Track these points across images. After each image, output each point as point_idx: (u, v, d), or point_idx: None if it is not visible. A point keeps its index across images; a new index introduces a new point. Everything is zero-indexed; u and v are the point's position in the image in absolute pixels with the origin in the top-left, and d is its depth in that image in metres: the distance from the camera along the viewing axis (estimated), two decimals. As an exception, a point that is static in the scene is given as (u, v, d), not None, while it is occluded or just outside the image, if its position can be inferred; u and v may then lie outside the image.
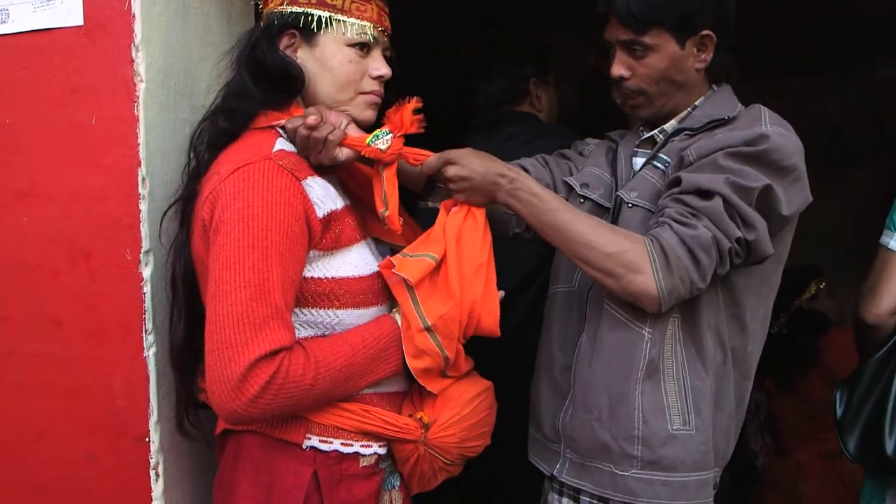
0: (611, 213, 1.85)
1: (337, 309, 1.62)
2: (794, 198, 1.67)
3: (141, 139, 1.75)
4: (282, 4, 1.69)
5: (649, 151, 1.87)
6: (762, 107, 1.76)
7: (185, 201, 1.68)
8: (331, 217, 1.62)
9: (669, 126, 1.85)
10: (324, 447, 1.61)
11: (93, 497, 1.80)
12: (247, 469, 1.61)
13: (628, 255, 1.63)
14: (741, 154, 1.64)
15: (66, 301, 1.79)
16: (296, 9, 1.69)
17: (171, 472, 1.81)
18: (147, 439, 1.77)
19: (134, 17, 1.74)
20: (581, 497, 1.82)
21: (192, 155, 1.69)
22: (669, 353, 1.72)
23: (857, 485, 2.22)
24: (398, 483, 1.74)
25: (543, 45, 2.69)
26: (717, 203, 1.61)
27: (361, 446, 1.65)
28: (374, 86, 1.75)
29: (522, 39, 2.63)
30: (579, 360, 1.84)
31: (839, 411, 2.07)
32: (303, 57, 1.71)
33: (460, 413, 1.70)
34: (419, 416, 1.70)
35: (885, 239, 2.03)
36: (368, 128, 1.74)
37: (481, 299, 1.67)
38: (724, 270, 1.66)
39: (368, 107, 1.76)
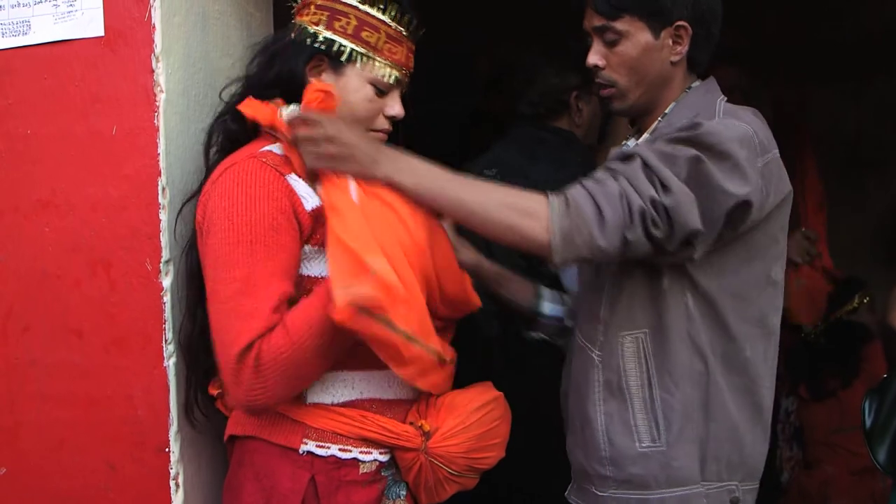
0: None
1: None
2: (730, 175, 1.57)
3: (161, 149, 1.76)
4: (317, 25, 1.69)
5: None
6: (722, 101, 1.73)
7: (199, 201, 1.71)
8: (320, 212, 1.60)
9: (643, 140, 1.80)
10: (320, 452, 1.62)
11: (114, 507, 1.80)
12: (248, 474, 1.64)
13: (523, 202, 1.59)
14: (674, 139, 1.60)
15: (87, 311, 1.79)
16: (331, 35, 1.68)
17: (190, 482, 1.80)
18: (167, 449, 1.77)
19: (154, 27, 1.75)
20: None
21: (205, 157, 1.74)
22: (633, 370, 1.69)
23: (889, 504, 2.18)
24: (404, 492, 1.73)
25: None
26: (635, 163, 1.57)
27: (360, 452, 1.65)
28: (385, 125, 1.76)
29: (569, 48, 2.58)
30: (565, 385, 1.88)
31: (868, 421, 2.05)
32: (326, 82, 1.71)
33: (465, 422, 1.68)
34: (420, 424, 1.68)
35: None
36: None
37: (431, 270, 1.62)
38: (637, 236, 1.55)
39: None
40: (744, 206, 1.58)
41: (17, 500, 1.84)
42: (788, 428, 3.33)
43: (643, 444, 1.68)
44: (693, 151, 1.55)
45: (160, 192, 1.76)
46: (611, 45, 1.75)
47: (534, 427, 2.21)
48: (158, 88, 1.76)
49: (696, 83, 1.81)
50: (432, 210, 1.65)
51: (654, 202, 1.54)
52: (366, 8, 1.69)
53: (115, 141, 1.77)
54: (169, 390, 1.76)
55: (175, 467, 1.77)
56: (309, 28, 1.70)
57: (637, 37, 1.73)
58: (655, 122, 1.79)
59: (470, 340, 1.89)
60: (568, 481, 1.93)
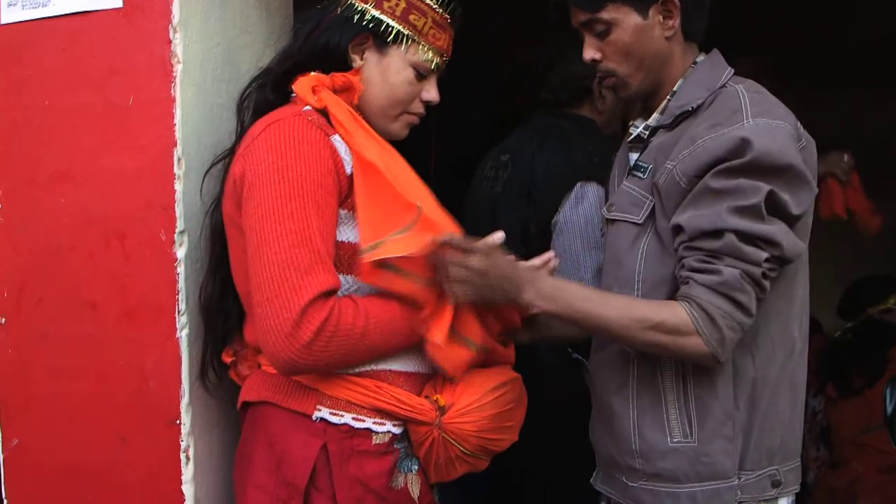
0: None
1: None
2: (800, 195, 1.59)
3: (177, 120, 1.75)
4: (366, 3, 1.70)
5: (638, 153, 1.81)
6: (741, 91, 1.66)
7: (228, 161, 1.71)
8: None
9: (653, 120, 1.78)
10: (334, 420, 1.60)
11: (124, 479, 1.78)
12: (261, 440, 1.62)
13: (670, 322, 1.57)
14: (730, 169, 1.55)
15: (101, 282, 1.79)
16: (379, 14, 1.70)
17: (201, 455, 1.79)
18: (178, 422, 1.76)
19: (171, -1, 1.75)
20: None
21: (238, 119, 1.74)
22: (669, 366, 1.67)
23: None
24: (416, 467, 1.70)
25: None
26: (729, 239, 1.54)
27: (374, 423, 1.62)
28: (420, 108, 1.78)
29: None
30: (592, 375, 1.86)
31: (889, 407, 2.01)
32: (369, 61, 1.73)
33: (480, 401, 1.65)
34: (435, 398, 1.66)
35: None
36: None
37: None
38: (767, 291, 1.60)
39: (407, 126, 1.79)
40: (806, 213, 1.62)
41: (28, 473, 1.84)
42: (815, 427, 3.28)
43: (674, 440, 1.67)
44: (764, 188, 1.54)
45: (175, 162, 1.75)
46: (602, 36, 1.73)
47: (549, 414, 2.19)
48: (175, 59, 1.76)
49: (701, 57, 1.78)
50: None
51: (767, 260, 1.56)
52: None
53: (131, 112, 1.77)
54: (181, 362, 1.75)
55: (186, 440, 1.76)
56: (357, 5, 1.71)
57: (626, 22, 1.70)
58: (665, 101, 1.77)
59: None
60: (584, 469, 1.91)
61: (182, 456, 1.76)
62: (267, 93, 1.73)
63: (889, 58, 4.13)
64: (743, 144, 1.55)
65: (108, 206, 1.78)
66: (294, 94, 1.69)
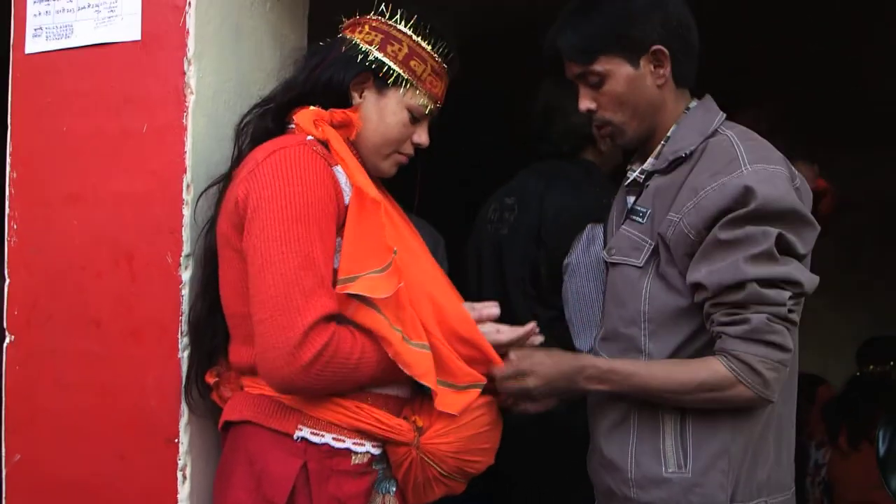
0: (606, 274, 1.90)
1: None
2: (804, 235, 1.65)
3: (188, 147, 1.83)
4: (370, 44, 1.78)
5: (634, 199, 1.87)
6: (733, 138, 1.72)
7: (223, 185, 1.76)
8: None
9: (648, 164, 1.83)
10: (315, 440, 1.64)
11: (122, 496, 1.82)
12: (241, 459, 1.65)
13: (712, 380, 1.65)
14: (737, 219, 1.61)
15: (108, 301, 1.85)
16: (381, 57, 1.78)
17: (198, 475, 1.82)
18: (176, 440, 1.79)
19: (188, 32, 1.83)
20: None
21: (235, 144, 1.80)
22: None
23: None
24: (394, 489, 1.73)
25: None
26: (752, 288, 1.60)
27: (354, 443, 1.66)
28: (410, 150, 1.86)
29: None
30: (592, 407, 1.90)
31: (882, 449, 2.01)
32: (367, 99, 1.80)
33: (457, 422, 1.69)
34: (413, 419, 1.70)
35: None
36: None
37: (437, 291, 1.73)
38: (797, 325, 1.67)
39: (395, 165, 1.86)
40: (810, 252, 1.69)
41: (28, 488, 1.88)
42: (818, 482, 3.25)
43: (669, 470, 1.70)
44: (772, 232, 1.60)
45: (184, 188, 1.82)
46: (596, 87, 1.80)
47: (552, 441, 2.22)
48: (189, 90, 1.83)
49: (693, 102, 1.84)
50: None
51: (791, 297, 1.63)
52: (418, 39, 1.79)
53: (144, 139, 1.85)
54: (181, 381, 1.79)
55: (183, 458, 1.80)
56: (361, 46, 1.79)
57: (618, 73, 1.77)
58: (659, 146, 1.82)
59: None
60: (580, 484, 1.93)
61: (179, 475, 1.79)
62: (267, 121, 1.79)
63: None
64: (747, 193, 1.60)
65: (117, 229, 1.85)
66: (292, 126, 1.76)
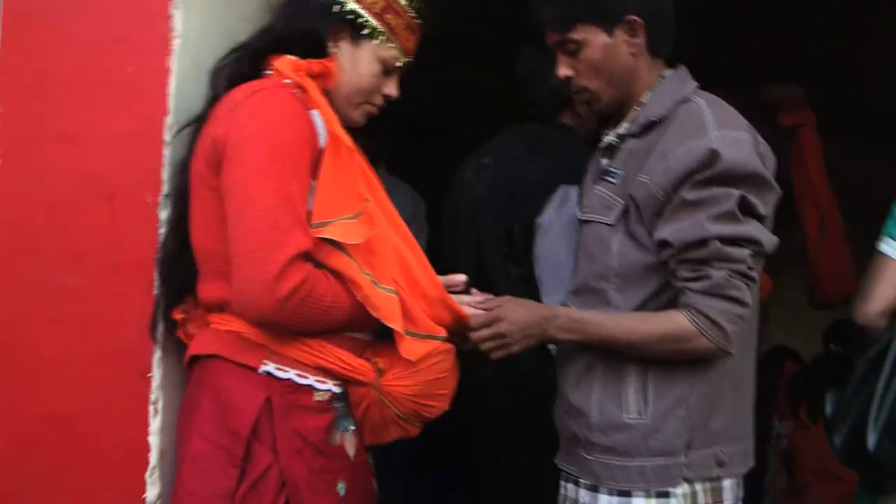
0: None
1: None
2: (765, 197, 1.73)
3: (171, 90, 1.86)
4: None
5: (608, 160, 1.93)
6: (703, 105, 1.79)
7: (197, 125, 1.81)
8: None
9: (623, 129, 1.90)
10: (279, 374, 1.68)
11: (96, 428, 1.86)
12: (207, 391, 1.70)
13: (675, 332, 1.73)
14: (702, 180, 1.69)
15: (91, 238, 1.88)
16: (359, 9, 1.82)
17: (169, 408, 1.86)
18: (149, 375, 1.84)
19: (175, -23, 1.87)
20: (571, 481, 1.91)
21: (211, 86, 1.83)
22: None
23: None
24: (352, 427, 1.77)
25: None
26: (714, 245, 1.68)
27: (316, 380, 1.71)
28: (380, 101, 1.91)
29: None
30: (560, 359, 1.98)
31: (829, 411, 2.07)
32: (343, 50, 1.85)
33: (417, 366, 1.73)
34: (375, 361, 1.74)
35: (879, 243, 2.07)
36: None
37: (404, 246, 1.79)
38: (757, 282, 1.75)
39: (366, 115, 1.91)
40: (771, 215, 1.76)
41: (5, 419, 1.91)
42: (780, 452, 3.30)
43: (630, 416, 1.78)
44: (735, 193, 1.69)
45: (166, 129, 1.86)
46: (573, 54, 1.88)
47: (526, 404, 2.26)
48: (174, 33, 1.87)
49: (668, 72, 1.91)
50: None
51: (751, 256, 1.72)
52: None
53: (130, 80, 1.88)
54: (159, 331, 1.84)
55: (155, 392, 1.84)
56: None
57: (594, 41, 1.85)
58: (633, 112, 1.89)
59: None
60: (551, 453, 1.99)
61: (151, 408, 1.84)
62: (244, 66, 1.82)
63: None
64: (712, 156, 1.68)
65: (101, 167, 1.88)
66: (269, 72, 1.80)
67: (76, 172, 1.90)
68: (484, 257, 2.39)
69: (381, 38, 1.84)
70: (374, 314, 1.67)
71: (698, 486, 1.78)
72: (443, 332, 1.77)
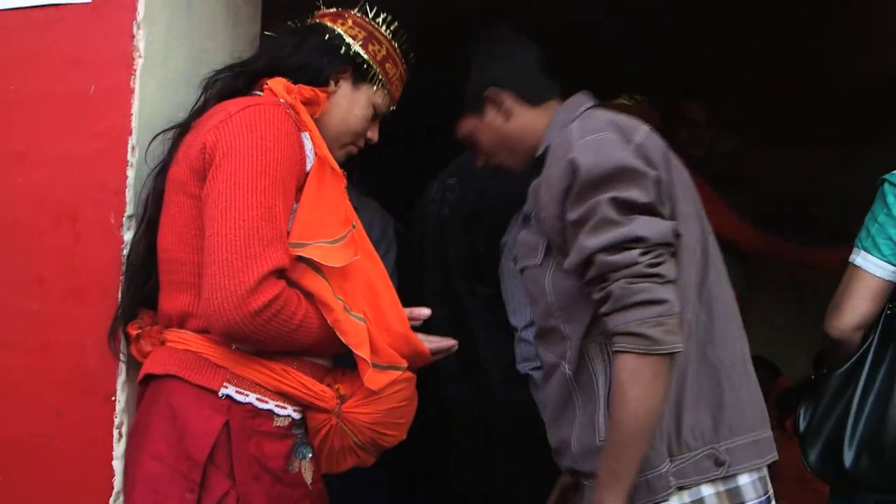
0: None
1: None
2: (641, 183, 1.64)
3: (135, 110, 1.85)
4: (354, 39, 1.89)
5: (527, 206, 1.94)
6: (575, 122, 1.78)
7: (179, 132, 1.81)
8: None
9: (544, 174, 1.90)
10: (239, 398, 1.65)
11: (58, 453, 1.83)
12: (163, 413, 1.65)
13: (628, 378, 1.61)
14: (575, 195, 1.65)
15: (51, 260, 1.86)
16: (363, 54, 1.90)
17: (134, 432, 1.83)
18: (113, 398, 1.81)
19: (138, -4, 1.86)
20: None
21: (201, 95, 1.84)
22: (601, 371, 1.73)
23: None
24: (310, 454, 1.75)
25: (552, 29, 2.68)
26: (598, 260, 1.62)
27: (276, 406, 1.68)
28: (362, 144, 1.97)
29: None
30: (542, 397, 1.94)
31: (802, 425, 2.06)
32: (342, 89, 1.91)
33: (378, 394, 1.72)
34: (336, 388, 1.73)
35: (852, 256, 2.04)
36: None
37: (377, 280, 1.79)
38: (671, 272, 1.64)
39: (346, 155, 1.97)
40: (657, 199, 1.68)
41: (-36, 445, 1.88)
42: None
43: (601, 439, 1.71)
44: (599, 196, 1.62)
45: (129, 150, 1.84)
46: (475, 144, 2.03)
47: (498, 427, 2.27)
48: (137, 53, 1.86)
49: (560, 106, 1.95)
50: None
51: (643, 254, 1.60)
52: (395, 44, 1.96)
53: (92, 100, 1.87)
54: (120, 340, 1.81)
55: (120, 416, 1.81)
56: (345, 38, 1.89)
57: (477, 127, 1.99)
58: (542, 154, 1.87)
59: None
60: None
61: (115, 432, 1.81)
62: (239, 82, 1.83)
63: (857, 119, 4.25)
64: (571, 166, 1.66)
65: (62, 189, 1.86)
66: (259, 92, 1.82)
67: (36, 194, 1.88)
68: (450, 277, 2.39)
69: (378, 84, 1.92)
70: (343, 339, 1.65)
71: (705, 490, 1.69)
72: (403, 363, 1.77)
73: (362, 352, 1.67)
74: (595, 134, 1.69)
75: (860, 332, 2.01)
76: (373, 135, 1.97)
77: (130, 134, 1.84)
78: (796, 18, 3.42)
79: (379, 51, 1.91)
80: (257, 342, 1.62)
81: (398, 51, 1.97)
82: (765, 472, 1.76)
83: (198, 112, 1.81)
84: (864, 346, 2.02)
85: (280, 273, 1.60)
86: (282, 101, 1.74)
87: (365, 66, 1.90)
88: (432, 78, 2.26)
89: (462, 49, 2.03)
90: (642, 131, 1.72)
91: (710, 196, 2.90)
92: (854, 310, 1.99)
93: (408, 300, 1.88)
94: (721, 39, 3.58)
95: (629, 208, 1.62)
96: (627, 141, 1.68)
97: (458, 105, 2.01)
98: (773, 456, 1.78)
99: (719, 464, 1.69)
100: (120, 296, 1.81)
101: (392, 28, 1.96)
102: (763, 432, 1.78)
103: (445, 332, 1.98)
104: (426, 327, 1.91)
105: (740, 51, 3.67)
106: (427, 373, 1.92)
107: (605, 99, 2.87)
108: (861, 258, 2.01)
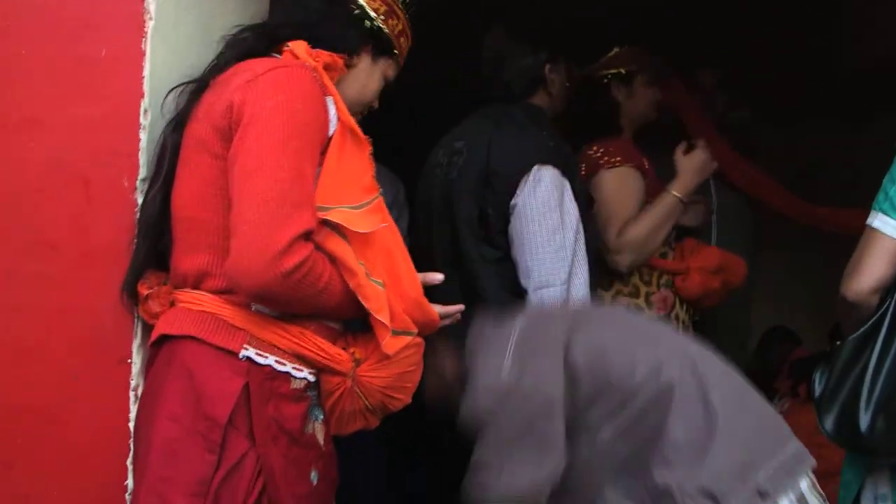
0: None
1: None
2: None
3: (146, 72, 1.85)
4: (376, 13, 1.90)
5: None
6: None
7: (198, 88, 1.80)
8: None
9: None
10: (259, 360, 1.64)
11: (75, 416, 1.83)
12: (179, 373, 1.64)
13: None
14: None
15: (64, 224, 1.85)
16: (385, 29, 1.92)
17: (150, 395, 1.83)
18: (129, 361, 1.82)
19: (148, -42, 1.85)
20: None
21: (222, 52, 1.83)
22: None
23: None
24: (322, 417, 1.75)
25: (556, 25, 2.69)
26: None
27: (293, 368, 1.68)
28: (366, 111, 1.99)
29: (537, 24, 2.63)
30: None
31: (818, 390, 2.06)
32: (363, 61, 1.92)
33: (390, 357, 1.72)
34: (352, 351, 1.72)
35: (870, 219, 2.02)
36: None
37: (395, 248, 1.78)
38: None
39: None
40: None
41: (-19, 408, 1.88)
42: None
43: None
44: None
45: (141, 113, 1.84)
46: None
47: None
48: (148, 16, 1.85)
49: None
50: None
51: None
52: (406, 18, 1.98)
53: (102, 63, 1.85)
54: (136, 303, 1.81)
55: (136, 379, 1.82)
56: (369, 11, 1.89)
57: None
58: None
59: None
60: None
61: (131, 394, 1.82)
62: (261, 44, 1.82)
63: (866, 90, 4.23)
64: None
65: (74, 153, 1.85)
66: (277, 55, 1.80)
67: (48, 158, 1.86)
68: (459, 241, 2.39)
69: (393, 59, 1.96)
70: (364, 304, 1.65)
71: None
72: (415, 329, 1.77)
73: (382, 317, 1.67)
74: None
75: (877, 296, 1.99)
76: (376, 102, 2.00)
77: (142, 97, 1.84)
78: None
79: (396, 25, 1.94)
80: (284, 303, 1.62)
81: (408, 25, 1.98)
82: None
83: (218, 69, 1.79)
84: (881, 310, 2.00)
85: (308, 235, 1.58)
86: (307, 64, 1.73)
87: (385, 40, 1.92)
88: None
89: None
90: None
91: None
92: (871, 272, 1.98)
93: (416, 265, 1.88)
94: (725, 37, 3.60)
95: None
96: None
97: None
98: (808, 461, 1.76)
99: (763, 494, 1.65)
100: (133, 252, 1.79)
101: (404, 2, 1.97)
102: (785, 447, 1.75)
103: (455, 296, 1.99)
104: (437, 291, 1.91)
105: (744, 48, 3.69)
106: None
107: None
108: (879, 220, 1.99)
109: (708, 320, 3.13)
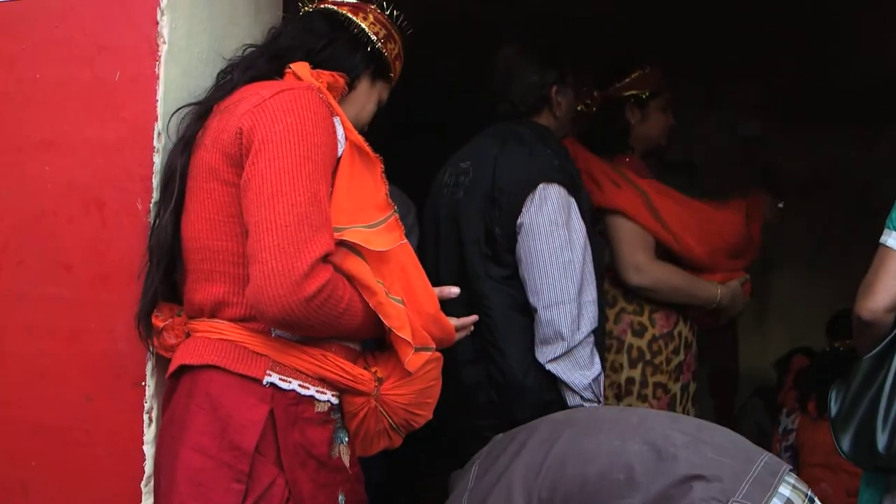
0: None
1: None
2: None
3: (160, 96, 1.85)
4: (377, 36, 1.91)
5: None
6: None
7: (204, 110, 1.80)
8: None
9: None
10: (283, 385, 1.63)
11: (88, 438, 1.85)
12: (203, 404, 1.62)
13: None
14: None
15: (78, 247, 1.87)
16: (384, 53, 1.93)
17: (164, 417, 1.84)
18: (143, 383, 1.82)
19: (161, -17, 1.86)
20: None
21: (229, 75, 1.84)
22: None
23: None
24: (346, 438, 1.75)
25: (564, 47, 2.68)
26: None
27: (317, 391, 1.67)
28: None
29: (545, 45, 2.63)
30: None
31: (834, 409, 2.05)
32: (362, 85, 1.93)
33: (412, 374, 1.71)
34: (374, 371, 1.72)
35: (883, 237, 2.01)
36: None
37: (409, 264, 1.78)
38: None
39: None
40: None
41: (-3, 429, 1.90)
42: (786, 447, 3.32)
43: None
44: None
45: (155, 136, 1.84)
46: None
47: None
48: (161, 40, 1.86)
49: None
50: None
51: None
52: (401, 42, 1.99)
53: (117, 87, 1.87)
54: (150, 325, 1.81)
55: (150, 401, 1.82)
56: (370, 35, 1.90)
57: None
58: None
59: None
60: None
61: (145, 417, 1.82)
62: (271, 66, 1.82)
63: (879, 99, 4.22)
64: None
65: (89, 175, 1.87)
66: (281, 77, 1.80)
67: (63, 180, 1.89)
68: (466, 260, 2.39)
69: (388, 82, 1.97)
70: (386, 322, 1.64)
71: None
72: (433, 344, 1.76)
73: (404, 334, 1.67)
74: None
75: (892, 314, 1.98)
76: (368, 123, 2.01)
77: (156, 120, 1.84)
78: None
79: (394, 49, 1.95)
80: (308, 328, 1.60)
81: (402, 50, 2.00)
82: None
83: (224, 92, 1.79)
84: None
85: (327, 258, 1.58)
86: (312, 85, 1.74)
87: (383, 64, 1.93)
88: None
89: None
90: None
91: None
92: (886, 291, 1.97)
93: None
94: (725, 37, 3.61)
95: None
96: None
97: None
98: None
99: None
100: (145, 282, 1.78)
101: (401, 24, 1.98)
102: (737, 462, 1.67)
103: (461, 315, 1.97)
104: (444, 311, 1.90)
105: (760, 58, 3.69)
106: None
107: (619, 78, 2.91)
108: (893, 239, 1.98)
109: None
